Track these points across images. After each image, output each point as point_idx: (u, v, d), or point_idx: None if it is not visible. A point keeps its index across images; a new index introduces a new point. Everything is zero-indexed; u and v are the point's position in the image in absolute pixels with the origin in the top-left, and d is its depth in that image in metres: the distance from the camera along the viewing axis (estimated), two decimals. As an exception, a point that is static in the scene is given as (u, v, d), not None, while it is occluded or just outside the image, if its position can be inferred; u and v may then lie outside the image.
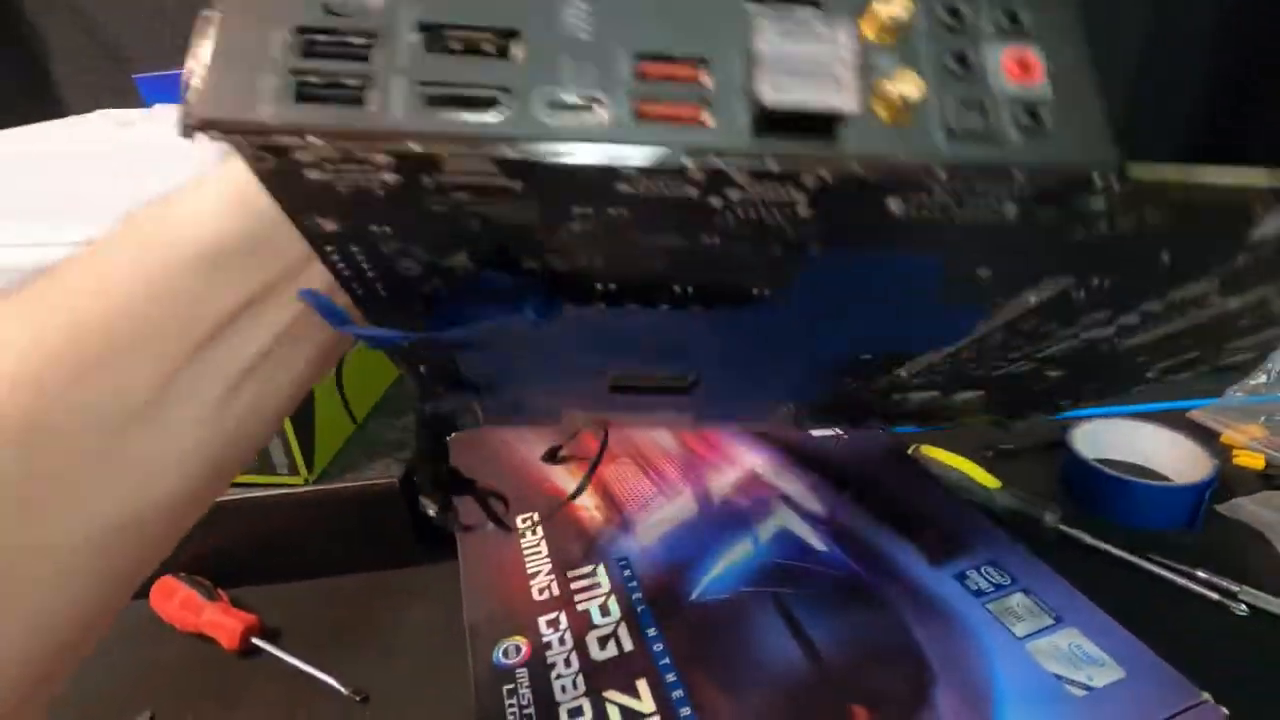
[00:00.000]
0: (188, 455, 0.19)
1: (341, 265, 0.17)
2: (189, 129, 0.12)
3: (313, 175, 0.13)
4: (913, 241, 0.15)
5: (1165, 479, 0.47)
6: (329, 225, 0.15)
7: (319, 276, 0.18)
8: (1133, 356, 0.22)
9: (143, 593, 0.41)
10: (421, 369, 0.24)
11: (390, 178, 0.13)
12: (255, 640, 0.38)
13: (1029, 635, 0.31)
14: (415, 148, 0.12)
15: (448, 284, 0.17)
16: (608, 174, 0.13)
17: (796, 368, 0.25)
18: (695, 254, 0.16)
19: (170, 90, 0.65)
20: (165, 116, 0.44)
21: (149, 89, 0.67)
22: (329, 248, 0.16)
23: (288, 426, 0.41)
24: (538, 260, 0.16)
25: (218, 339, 0.19)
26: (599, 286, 0.17)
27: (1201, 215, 0.14)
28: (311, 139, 0.12)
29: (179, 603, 0.39)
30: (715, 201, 0.14)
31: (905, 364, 0.23)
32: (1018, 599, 0.33)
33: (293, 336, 0.20)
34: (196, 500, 0.20)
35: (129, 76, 0.70)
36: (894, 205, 0.13)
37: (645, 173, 0.12)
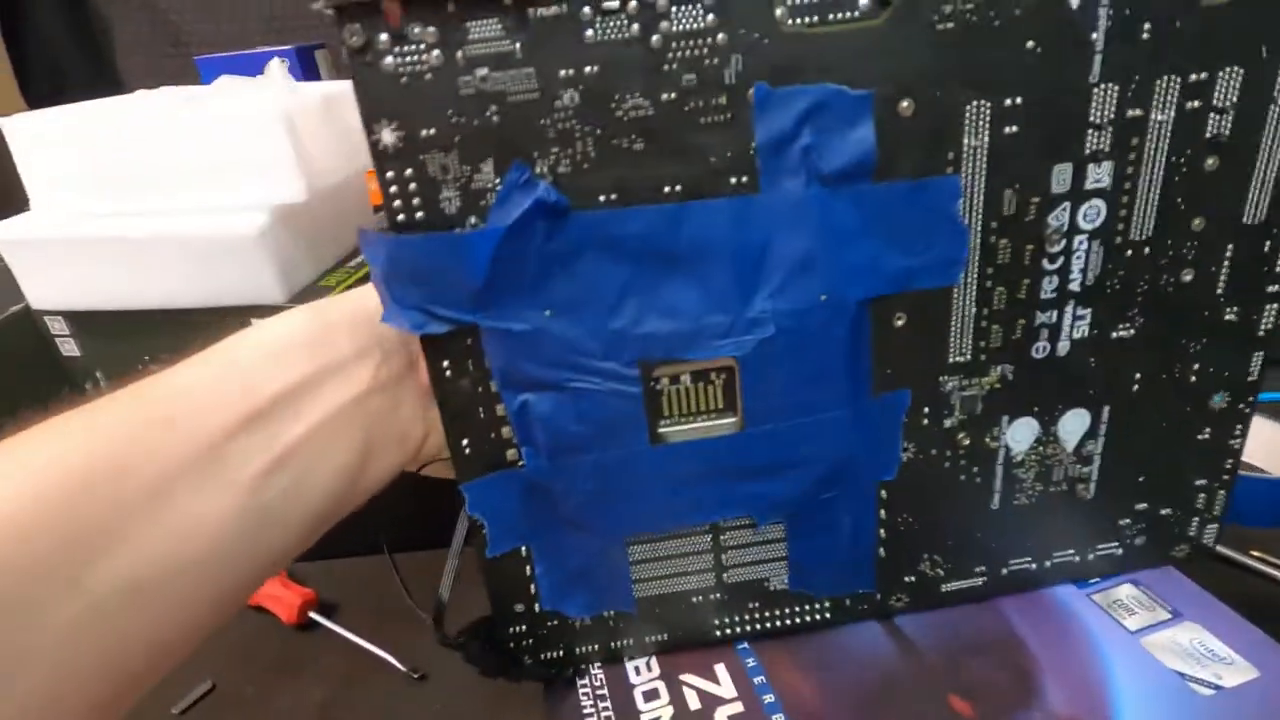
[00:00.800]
0: (227, 520, 0.20)
1: (398, 203, 0.21)
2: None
3: (386, 64, 0.20)
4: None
5: (1264, 472, 0.44)
6: (389, 136, 0.21)
7: (365, 370, 0.24)
8: None
9: None
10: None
11: (435, 55, 0.20)
12: (313, 614, 0.38)
13: (1143, 629, 0.29)
14: None
15: (480, 216, 0.22)
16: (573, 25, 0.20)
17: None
18: (666, 133, 0.21)
19: (225, 72, 0.67)
20: (230, 88, 0.44)
21: (209, 71, 0.70)
22: (390, 174, 0.21)
23: None
24: (547, 163, 0.21)
25: (268, 415, 0.21)
26: (601, 198, 0.22)
27: None
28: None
29: None
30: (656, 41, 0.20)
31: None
32: (1126, 590, 0.30)
33: (333, 429, 0.23)
34: (226, 571, 0.21)
35: (189, 60, 0.73)
36: None
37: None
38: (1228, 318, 0.26)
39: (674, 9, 0.20)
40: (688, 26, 0.20)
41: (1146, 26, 0.22)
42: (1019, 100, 0.22)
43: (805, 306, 0.23)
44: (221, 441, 0.20)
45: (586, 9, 0.20)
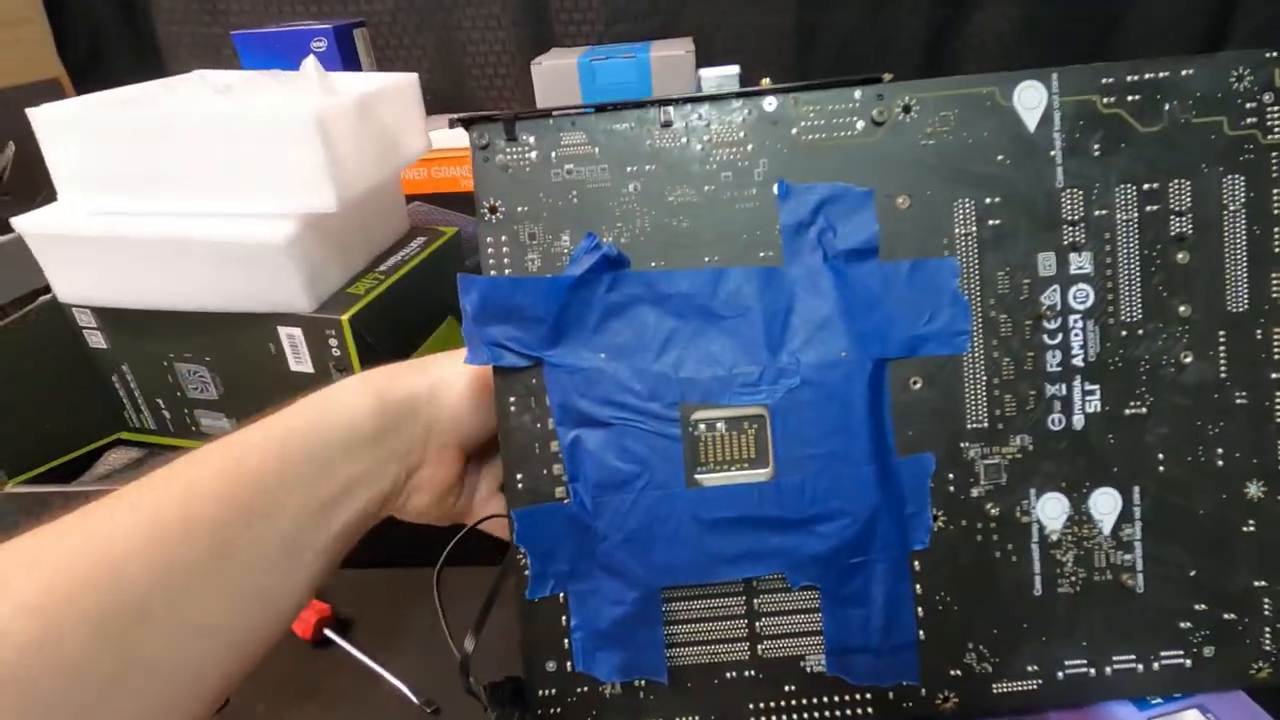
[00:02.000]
0: (313, 579, 0.25)
1: (492, 260, 0.27)
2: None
3: (499, 159, 0.27)
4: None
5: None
6: (494, 204, 0.27)
7: (424, 470, 0.28)
8: None
9: None
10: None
11: (534, 154, 0.27)
12: (328, 632, 0.37)
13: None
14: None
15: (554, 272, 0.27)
16: (640, 134, 0.27)
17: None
18: (707, 216, 0.27)
19: (263, 48, 0.70)
20: (260, 83, 0.45)
21: (244, 45, 0.71)
22: (489, 239, 0.28)
23: None
24: (612, 235, 0.27)
25: (340, 500, 0.25)
26: (653, 264, 0.27)
27: None
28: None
29: None
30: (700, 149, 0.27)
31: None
32: (1192, 717, 0.28)
33: (378, 503, 0.27)
34: (274, 622, 0.25)
35: (226, 32, 0.73)
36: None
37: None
38: (1239, 401, 0.27)
39: (715, 127, 0.27)
40: (725, 138, 0.27)
41: (1096, 146, 0.27)
42: (998, 198, 0.27)
43: (827, 361, 0.27)
44: (295, 530, 0.24)
45: (650, 126, 0.27)
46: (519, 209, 0.27)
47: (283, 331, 0.44)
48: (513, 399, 0.27)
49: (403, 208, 0.54)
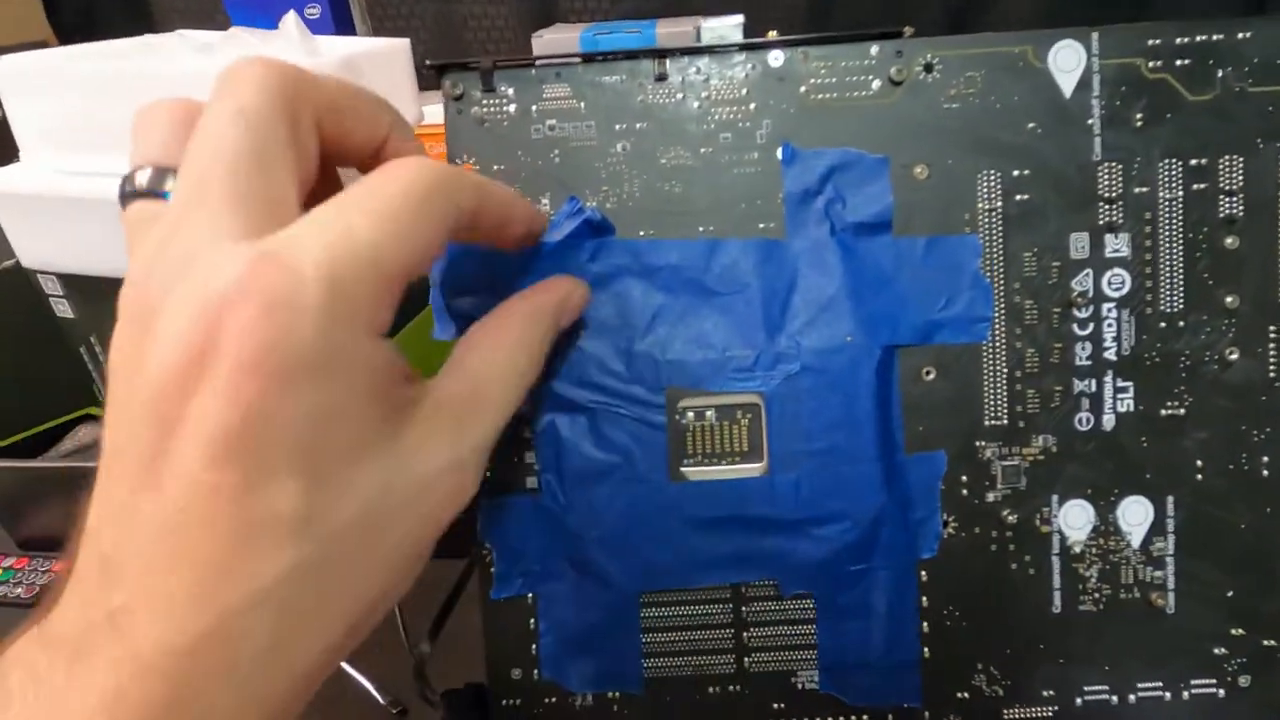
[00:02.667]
0: None
1: None
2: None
3: (474, 111, 0.24)
4: None
5: None
6: (469, 163, 0.24)
7: None
8: None
9: None
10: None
11: (513, 107, 0.24)
12: None
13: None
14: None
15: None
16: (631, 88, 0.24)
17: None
18: (703, 181, 0.24)
19: (253, 12, 0.67)
20: (244, 40, 0.43)
21: (234, 8, 0.68)
22: None
23: None
24: (597, 199, 0.24)
25: None
26: (641, 233, 0.24)
27: None
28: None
29: None
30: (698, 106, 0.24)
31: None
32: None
33: None
34: None
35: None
36: None
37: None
38: None
39: (715, 82, 0.24)
40: (725, 96, 0.24)
41: (1139, 116, 0.24)
42: (1027, 171, 0.24)
43: (831, 346, 0.24)
44: None
45: (642, 80, 0.24)
46: (495, 167, 0.25)
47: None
48: None
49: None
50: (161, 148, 0.17)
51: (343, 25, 0.71)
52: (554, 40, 0.63)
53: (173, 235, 0.14)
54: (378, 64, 0.45)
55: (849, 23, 0.70)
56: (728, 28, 0.55)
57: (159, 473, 0.13)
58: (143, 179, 0.18)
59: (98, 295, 0.44)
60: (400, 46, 0.48)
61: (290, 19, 0.43)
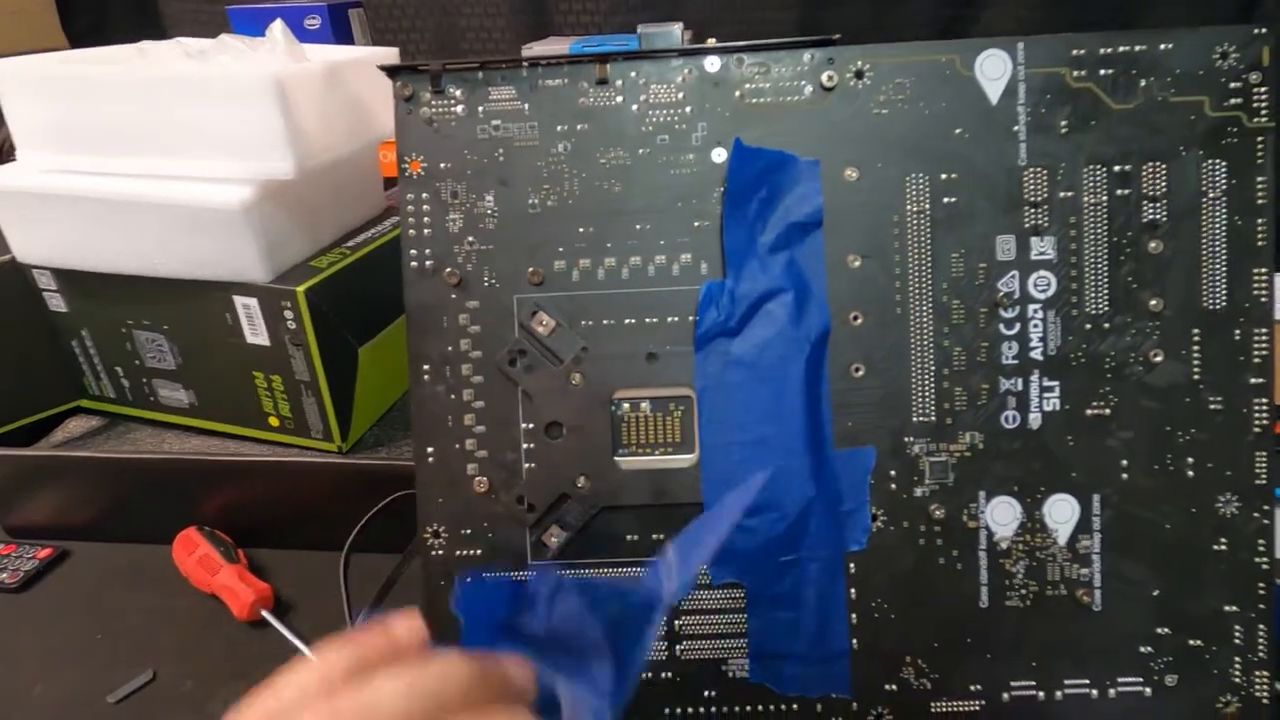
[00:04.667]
0: None
1: (412, 220, 0.26)
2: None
3: (423, 112, 0.25)
4: None
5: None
6: (417, 161, 0.25)
7: None
8: None
9: (166, 540, 0.40)
10: None
11: (461, 108, 0.25)
12: (265, 613, 0.36)
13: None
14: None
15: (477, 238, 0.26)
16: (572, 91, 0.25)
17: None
18: (640, 180, 0.25)
19: (254, 24, 0.69)
20: (233, 46, 0.45)
21: (239, 21, 0.71)
22: (409, 195, 0.26)
23: (325, 393, 0.41)
24: (539, 196, 0.26)
25: None
26: (580, 229, 0.26)
27: None
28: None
29: (197, 560, 0.38)
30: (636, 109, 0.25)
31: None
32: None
33: None
34: None
35: (224, 9, 0.73)
36: None
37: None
38: (1213, 406, 0.25)
39: (653, 86, 0.25)
40: (663, 99, 0.25)
41: (1064, 123, 0.25)
42: (954, 175, 0.25)
43: (761, 340, 0.25)
44: None
45: (583, 83, 0.25)
46: (441, 165, 0.26)
47: (238, 301, 0.43)
48: (426, 367, 0.26)
49: (379, 186, 0.53)
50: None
51: (342, 35, 0.73)
52: (543, 53, 0.65)
53: None
54: (365, 72, 0.47)
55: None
56: (665, 34, 0.55)
57: None
58: None
59: (88, 291, 0.45)
60: (387, 55, 0.49)
61: (277, 26, 0.44)
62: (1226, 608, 0.25)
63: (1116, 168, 0.25)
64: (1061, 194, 0.25)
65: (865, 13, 0.69)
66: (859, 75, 0.25)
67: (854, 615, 0.26)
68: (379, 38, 0.78)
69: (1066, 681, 0.26)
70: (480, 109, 0.26)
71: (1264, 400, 0.25)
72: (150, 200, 0.39)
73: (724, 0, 0.71)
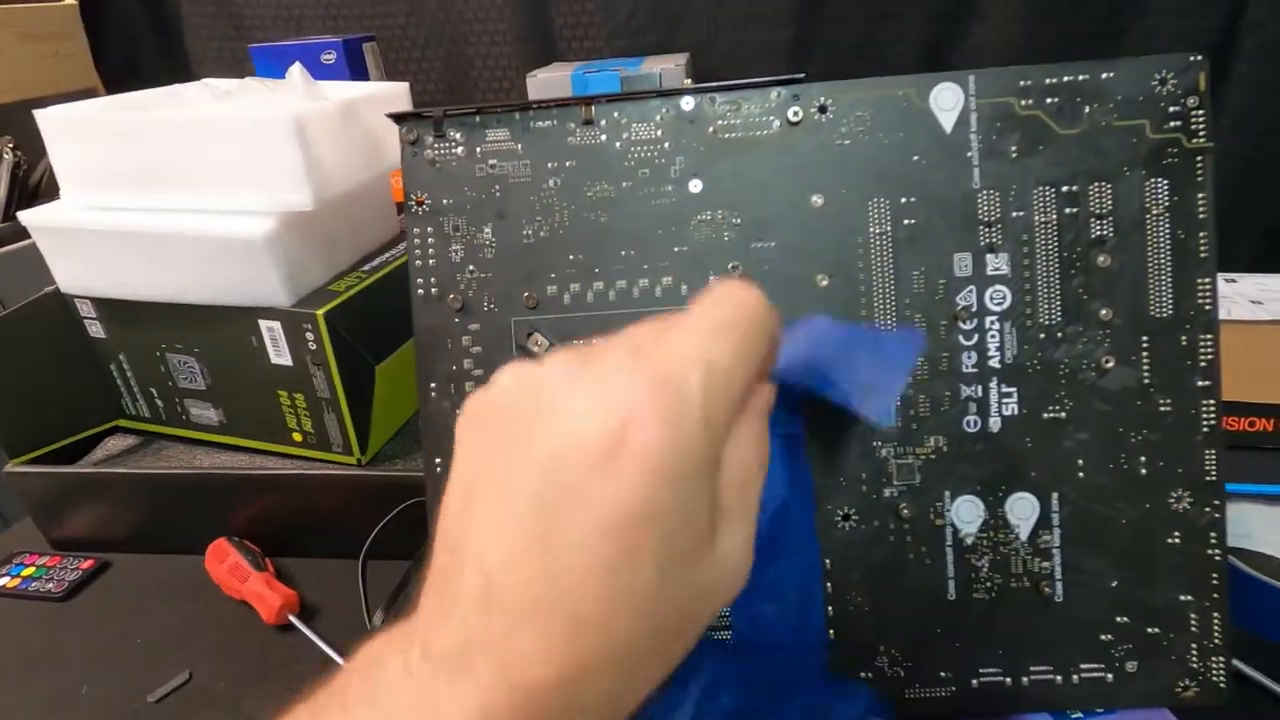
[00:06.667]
0: None
1: (418, 251, 0.28)
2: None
3: (427, 154, 0.28)
4: None
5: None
6: (420, 197, 0.28)
7: None
8: None
9: (199, 550, 0.43)
10: None
11: (461, 150, 0.28)
12: (292, 618, 0.39)
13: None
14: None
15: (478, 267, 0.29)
16: (561, 131, 0.28)
17: None
18: (624, 210, 0.28)
19: (274, 60, 0.74)
20: (255, 89, 0.49)
21: (260, 58, 0.76)
22: (415, 230, 0.28)
23: (344, 409, 0.44)
24: (532, 228, 0.28)
25: None
26: (571, 257, 0.28)
27: None
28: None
29: (228, 568, 0.41)
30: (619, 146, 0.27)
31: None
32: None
33: None
34: None
35: (247, 46, 0.78)
36: None
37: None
38: (1163, 408, 0.27)
39: (634, 125, 0.28)
40: (643, 136, 0.28)
41: (1014, 148, 0.27)
42: (913, 199, 0.27)
43: None
44: None
45: (570, 124, 0.28)
46: (444, 201, 0.28)
47: (263, 324, 0.46)
48: (433, 385, 0.28)
49: (392, 211, 0.56)
50: None
51: (357, 68, 0.77)
52: (547, 79, 0.68)
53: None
54: (377, 106, 0.50)
55: (828, 60, 0.73)
56: (643, 77, 0.58)
57: (550, 530, 0.15)
58: None
59: (124, 318, 0.49)
60: (399, 90, 0.52)
61: (296, 69, 0.48)
62: (1182, 597, 0.27)
63: (1065, 188, 0.27)
64: (1014, 214, 0.27)
65: (857, 31, 0.71)
66: (822, 110, 0.27)
67: (830, 608, 0.28)
68: (391, 69, 0.81)
69: (1032, 668, 0.27)
70: (478, 149, 0.28)
71: (1211, 401, 0.27)
72: (181, 234, 0.42)
73: (720, 21, 0.74)
